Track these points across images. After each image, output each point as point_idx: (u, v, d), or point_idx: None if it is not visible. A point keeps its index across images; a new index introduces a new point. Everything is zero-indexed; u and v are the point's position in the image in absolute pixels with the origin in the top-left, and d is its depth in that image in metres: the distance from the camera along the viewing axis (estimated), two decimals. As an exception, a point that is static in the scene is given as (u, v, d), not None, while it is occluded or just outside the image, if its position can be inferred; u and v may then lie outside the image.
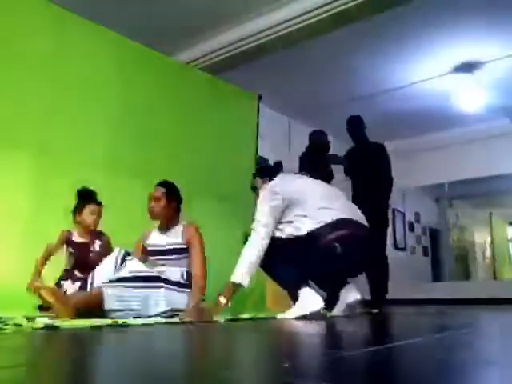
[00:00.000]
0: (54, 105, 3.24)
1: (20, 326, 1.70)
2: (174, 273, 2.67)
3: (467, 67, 5.12)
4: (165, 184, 2.88)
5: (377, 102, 5.96)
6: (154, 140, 3.85)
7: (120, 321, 2.04)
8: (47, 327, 1.71)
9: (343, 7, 3.87)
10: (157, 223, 2.94)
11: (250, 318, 2.64)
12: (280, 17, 4.13)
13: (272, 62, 4.84)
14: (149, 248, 2.83)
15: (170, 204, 2.82)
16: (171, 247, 2.77)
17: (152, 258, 2.80)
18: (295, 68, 5.09)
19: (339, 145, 7.91)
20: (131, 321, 2.12)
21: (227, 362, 1.04)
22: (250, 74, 4.99)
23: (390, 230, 7.94)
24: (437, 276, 8.79)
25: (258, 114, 4.96)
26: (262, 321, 2.54)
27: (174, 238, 2.80)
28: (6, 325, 1.68)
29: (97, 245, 2.80)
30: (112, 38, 3.67)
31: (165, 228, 2.86)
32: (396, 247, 8.03)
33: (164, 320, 2.25)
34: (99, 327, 1.84)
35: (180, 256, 2.76)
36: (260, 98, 5.02)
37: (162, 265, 2.73)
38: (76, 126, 3.34)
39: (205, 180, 4.05)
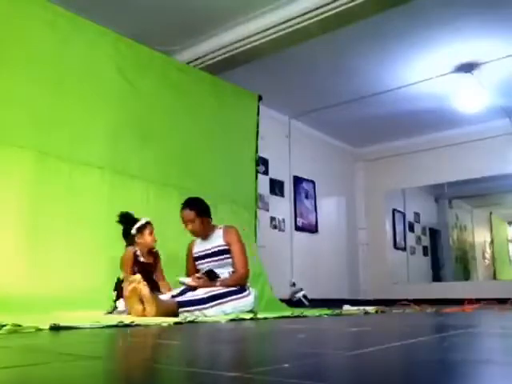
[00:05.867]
0: (54, 104, 3.24)
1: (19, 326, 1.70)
2: (223, 276, 2.99)
3: (467, 67, 5.12)
4: (191, 204, 3.11)
5: (377, 102, 5.95)
6: (154, 140, 3.85)
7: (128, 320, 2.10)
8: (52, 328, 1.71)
9: (344, 7, 3.85)
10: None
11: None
12: (280, 17, 4.13)
13: (272, 61, 4.83)
14: (195, 255, 3.15)
15: (203, 220, 3.11)
16: (215, 249, 3.07)
17: (198, 262, 3.13)
18: (295, 68, 5.09)
19: (339, 145, 7.92)
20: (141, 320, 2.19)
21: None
22: (250, 74, 4.99)
23: (389, 230, 8.00)
24: (437, 276, 8.77)
25: (258, 113, 4.96)
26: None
27: (215, 241, 3.11)
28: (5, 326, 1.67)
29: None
30: (112, 37, 3.66)
31: (206, 237, 3.17)
32: (396, 247, 8.03)
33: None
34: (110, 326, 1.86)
35: (223, 257, 3.05)
36: (260, 98, 5.01)
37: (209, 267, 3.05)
38: (76, 125, 3.34)
39: (205, 179, 4.05)
